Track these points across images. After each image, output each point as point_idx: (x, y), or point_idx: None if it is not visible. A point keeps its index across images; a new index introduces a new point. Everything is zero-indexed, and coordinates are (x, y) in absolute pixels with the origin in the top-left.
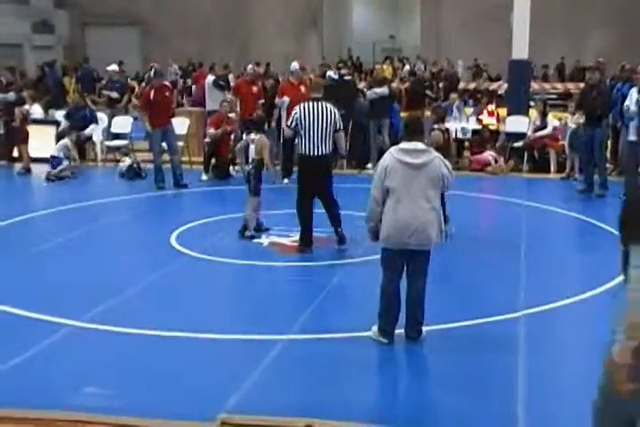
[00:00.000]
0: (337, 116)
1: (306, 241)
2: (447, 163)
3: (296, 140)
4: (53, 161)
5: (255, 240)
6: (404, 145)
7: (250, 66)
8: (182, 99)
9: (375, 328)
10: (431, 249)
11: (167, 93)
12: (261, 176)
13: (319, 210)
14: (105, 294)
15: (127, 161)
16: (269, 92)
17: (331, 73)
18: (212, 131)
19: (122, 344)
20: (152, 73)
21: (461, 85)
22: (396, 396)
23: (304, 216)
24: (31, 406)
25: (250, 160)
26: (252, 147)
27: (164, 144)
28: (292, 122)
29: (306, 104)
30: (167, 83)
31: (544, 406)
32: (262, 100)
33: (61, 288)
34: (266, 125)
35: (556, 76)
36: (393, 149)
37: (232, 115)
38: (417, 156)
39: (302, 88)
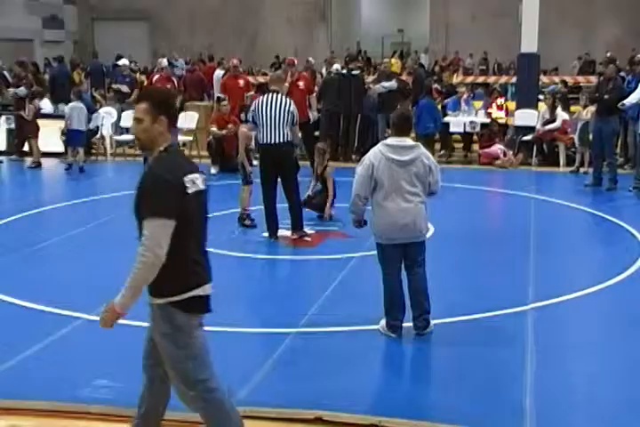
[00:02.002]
0: (292, 108)
1: (269, 229)
2: (433, 160)
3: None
4: (74, 137)
5: (264, 234)
6: (390, 141)
7: (234, 60)
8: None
9: (383, 322)
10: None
11: (169, 86)
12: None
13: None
14: (114, 288)
15: None
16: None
17: (337, 66)
18: (214, 129)
19: (133, 338)
20: (164, 61)
21: (471, 79)
22: (404, 389)
23: (265, 203)
24: (42, 398)
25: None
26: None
27: None
28: (249, 115)
29: (263, 97)
30: (174, 78)
31: (552, 399)
32: (251, 93)
33: (72, 282)
34: None
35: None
36: (380, 144)
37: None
38: (404, 152)
39: (300, 83)
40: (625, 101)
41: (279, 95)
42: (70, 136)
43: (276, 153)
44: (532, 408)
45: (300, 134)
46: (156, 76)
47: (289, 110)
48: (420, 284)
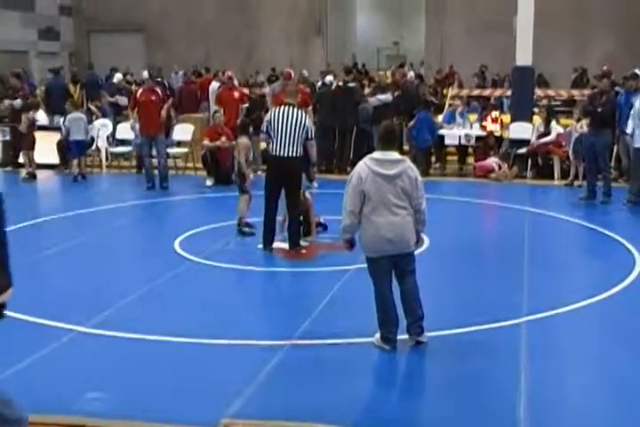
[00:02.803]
0: (307, 123)
1: (265, 240)
2: (418, 174)
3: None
4: (76, 147)
5: (259, 246)
6: (377, 155)
7: (229, 73)
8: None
9: (377, 335)
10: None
11: (153, 97)
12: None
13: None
14: (109, 300)
15: None
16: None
17: (330, 78)
18: (206, 142)
19: (126, 350)
20: (145, 73)
21: (465, 91)
22: (399, 402)
23: (265, 215)
24: (35, 411)
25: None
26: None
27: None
28: (264, 125)
29: (278, 108)
30: (158, 89)
31: (546, 411)
32: (246, 104)
33: (65, 294)
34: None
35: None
36: (367, 158)
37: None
38: (390, 166)
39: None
40: (627, 130)
41: (294, 109)
42: (71, 147)
43: (286, 166)
44: (526, 421)
45: (315, 150)
46: (140, 90)
47: (304, 124)
48: (411, 291)
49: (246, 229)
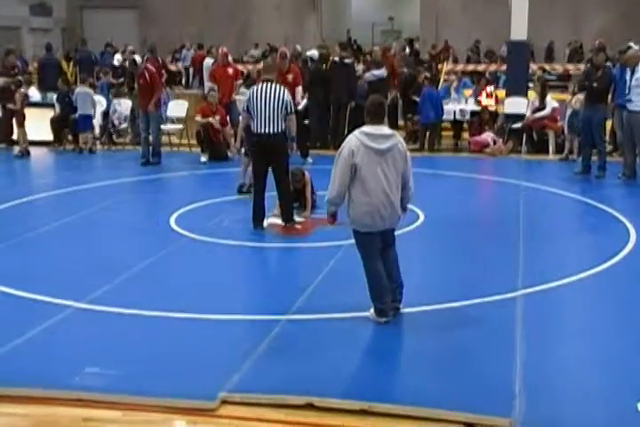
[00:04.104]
0: (287, 97)
1: (254, 217)
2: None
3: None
4: (82, 122)
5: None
6: (368, 129)
7: (223, 49)
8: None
9: (372, 310)
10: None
11: (146, 75)
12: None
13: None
14: (105, 276)
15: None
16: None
17: (314, 52)
18: (198, 118)
19: (122, 325)
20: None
21: (460, 67)
22: (394, 374)
23: (254, 193)
24: (32, 386)
25: None
26: None
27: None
28: (244, 104)
29: (256, 86)
30: (150, 65)
31: (542, 384)
32: (240, 81)
33: (61, 270)
34: None
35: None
36: (357, 132)
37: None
38: (382, 141)
39: (289, 76)
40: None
41: (272, 84)
42: (78, 121)
43: (269, 143)
44: (522, 393)
45: (294, 125)
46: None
47: (283, 99)
48: (393, 261)
49: (243, 190)
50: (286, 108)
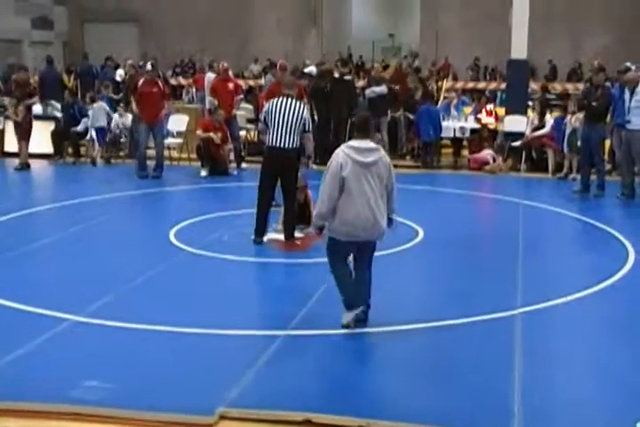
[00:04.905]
0: (305, 115)
1: (257, 231)
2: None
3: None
4: (99, 135)
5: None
6: (354, 143)
7: (224, 64)
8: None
9: (347, 315)
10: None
11: (155, 89)
12: None
13: None
14: (104, 290)
15: None
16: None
17: (312, 68)
18: (199, 132)
19: (121, 339)
20: (149, 65)
21: (460, 84)
22: (392, 391)
23: (259, 205)
24: (31, 399)
25: None
26: None
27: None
28: (262, 115)
29: (276, 99)
30: (159, 81)
31: (540, 402)
32: (241, 96)
33: (60, 283)
34: None
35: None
36: (344, 146)
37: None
38: (367, 154)
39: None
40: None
41: (292, 100)
42: (94, 133)
43: (282, 157)
44: (520, 411)
45: (311, 143)
46: (142, 80)
47: (302, 116)
48: (366, 280)
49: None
50: (304, 124)
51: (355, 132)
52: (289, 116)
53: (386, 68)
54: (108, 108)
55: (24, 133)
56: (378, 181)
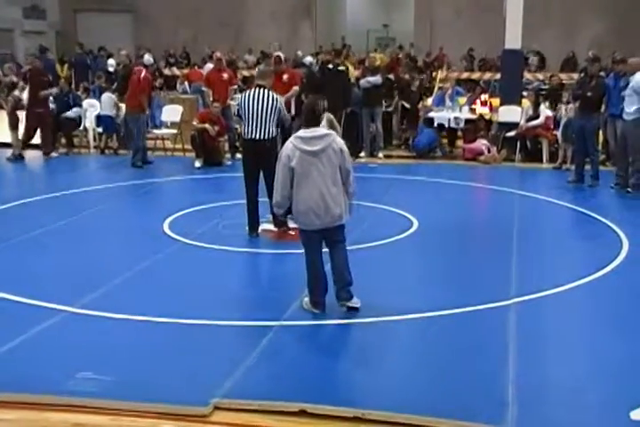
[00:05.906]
0: (279, 105)
1: (250, 225)
2: (345, 147)
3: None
4: (105, 122)
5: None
6: (302, 133)
7: (218, 53)
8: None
9: (307, 300)
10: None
11: (134, 79)
12: None
13: None
14: (98, 281)
15: None
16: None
17: (310, 59)
18: (195, 123)
19: (115, 330)
20: (150, 59)
21: (455, 74)
22: (387, 381)
23: (248, 201)
24: (25, 391)
25: None
26: None
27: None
28: (235, 108)
29: (249, 91)
30: (144, 69)
31: (535, 392)
32: (235, 86)
33: (54, 274)
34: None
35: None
36: (293, 137)
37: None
38: (315, 142)
39: (284, 77)
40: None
41: (265, 90)
42: (102, 122)
43: (259, 149)
44: (515, 401)
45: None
46: (144, 73)
47: (275, 106)
48: (341, 259)
49: None
50: (279, 114)
51: (303, 120)
52: (262, 107)
53: (361, 62)
54: (116, 98)
55: (13, 124)
56: (329, 167)
